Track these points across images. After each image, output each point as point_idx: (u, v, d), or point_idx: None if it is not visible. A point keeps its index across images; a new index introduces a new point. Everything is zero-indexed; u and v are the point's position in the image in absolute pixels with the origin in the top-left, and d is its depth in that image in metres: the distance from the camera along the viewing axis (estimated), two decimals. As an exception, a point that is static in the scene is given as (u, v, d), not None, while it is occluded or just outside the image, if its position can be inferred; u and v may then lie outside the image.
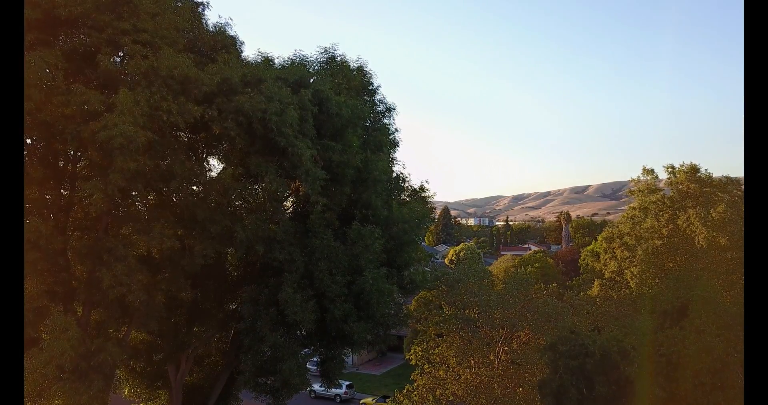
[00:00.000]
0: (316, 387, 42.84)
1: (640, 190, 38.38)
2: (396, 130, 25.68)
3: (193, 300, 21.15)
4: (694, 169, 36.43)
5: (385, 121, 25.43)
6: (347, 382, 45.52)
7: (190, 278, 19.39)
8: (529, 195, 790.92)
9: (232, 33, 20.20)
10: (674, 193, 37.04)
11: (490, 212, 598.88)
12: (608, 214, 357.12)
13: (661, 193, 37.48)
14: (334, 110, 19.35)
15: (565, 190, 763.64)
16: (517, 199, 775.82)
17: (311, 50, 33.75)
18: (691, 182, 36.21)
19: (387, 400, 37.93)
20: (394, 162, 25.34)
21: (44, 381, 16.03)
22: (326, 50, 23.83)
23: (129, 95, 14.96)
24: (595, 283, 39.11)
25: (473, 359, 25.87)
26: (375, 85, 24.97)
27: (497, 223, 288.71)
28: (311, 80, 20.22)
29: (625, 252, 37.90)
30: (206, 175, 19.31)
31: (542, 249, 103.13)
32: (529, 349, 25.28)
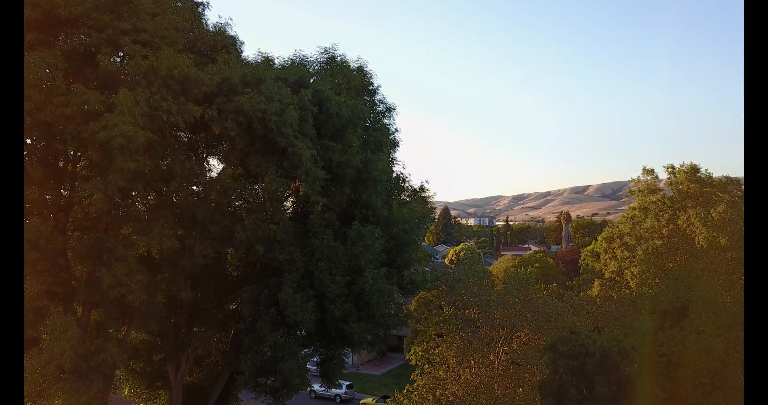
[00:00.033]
0: (316, 387, 42.85)
1: (640, 191, 38.38)
2: (396, 130, 25.71)
3: (193, 300, 21.16)
4: (694, 170, 36.43)
5: (385, 121, 25.45)
6: (347, 382, 45.52)
7: (190, 278, 19.39)
8: (529, 195, 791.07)
9: (232, 33, 20.22)
10: (674, 193, 37.05)
11: (490, 212, 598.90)
12: (608, 214, 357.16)
13: (661, 193, 37.48)
14: (334, 110, 19.35)
15: (565, 190, 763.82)
16: (517, 199, 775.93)
17: (311, 50, 33.79)
18: (691, 182, 36.22)
19: (387, 400, 37.92)
20: (394, 162, 25.36)
21: (44, 381, 16.02)
22: (326, 50, 23.84)
23: (129, 95, 14.96)
24: (595, 283, 39.11)
25: (473, 359, 25.86)
26: (375, 85, 24.99)
27: (497, 223, 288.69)
28: (311, 80, 20.22)
29: (625, 252, 37.90)
30: (206, 175, 19.31)
31: (542, 249, 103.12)
32: (529, 349, 25.27)
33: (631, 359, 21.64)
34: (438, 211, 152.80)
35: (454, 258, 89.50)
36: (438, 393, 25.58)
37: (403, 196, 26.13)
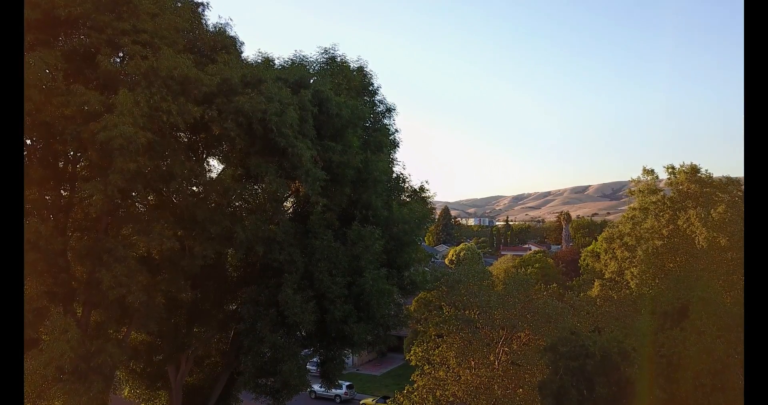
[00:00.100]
0: (316, 387, 42.81)
1: (640, 191, 38.40)
2: (396, 130, 25.70)
3: (193, 301, 21.11)
4: (694, 170, 36.45)
5: (386, 121, 25.45)
6: (347, 383, 45.51)
7: (190, 279, 19.38)
8: (530, 195, 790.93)
9: (232, 33, 20.20)
10: (674, 193, 37.07)
11: (490, 212, 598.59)
12: (608, 214, 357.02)
13: (662, 193, 37.50)
14: (334, 111, 19.34)
15: (565, 190, 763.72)
16: (517, 199, 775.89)
17: (311, 51, 33.77)
18: (692, 182, 36.24)
19: (387, 400, 37.91)
20: (395, 162, 25.36)
21: (44, 382, 16.02)
22: (326, 51, 23.85)
23: (129, 96, 14.95)
24: (596, 283, 39.11)
25: (473, 360, 25.84)
26: (375, 85, 25.00)
27: (497, 223, 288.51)
28: (311, 81, 20.22)
29: (626, 252, 37.92)
30: (206, 176, 19.31)
31: (542, 249, 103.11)
32: (530, 350, 25.24)
33: (631, 360, 21.67)
34: (438, 211, 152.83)
35: (454, 258, 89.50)
36: (438, 393, 25.56)
37: (403, 197, 26.13)
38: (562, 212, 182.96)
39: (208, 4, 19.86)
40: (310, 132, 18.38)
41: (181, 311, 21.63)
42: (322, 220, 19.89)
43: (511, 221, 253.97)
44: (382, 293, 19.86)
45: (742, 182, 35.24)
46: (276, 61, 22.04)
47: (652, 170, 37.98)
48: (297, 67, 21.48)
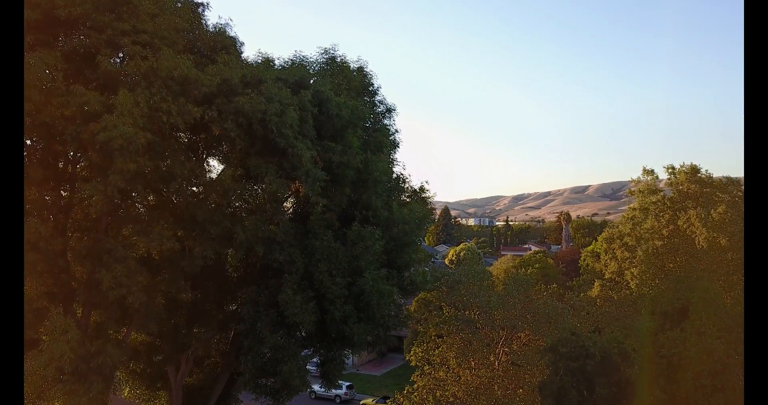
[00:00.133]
0: (316, 388, 42.82)
1: (640, 191, 38.39)
2: (396, 130, 25.70)
3: (193, 301, 21.12)
4: (694, 170, 36.44)
5: (386, 121, 25.45)
6: (347, 383, 45.52)
7: (190, 279, 19.38)
8: (530, 195, 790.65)
9: (232, 34, 20.20)
10: (674, 193, 37.05)
11: (490, 212, 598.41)
12: (608, 214, 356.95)
13: (662, 193, 37.49)
14: (334, 111, 19.34)
15: (565, 190, 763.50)
16: (518, 199, 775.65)
17: (311, 51, 33.75)
18: (692, 183, 36.22)
19: (387, 401, 37.91)
20: (395, 163, 25.36)
21: (44, 383, 15.99)
22: (326, 51, 23.85)
23: (129, 96, 14.95)
24: (596, 283, 39.11)
25: (473, 360, 25.82)
26: (375, 85, 25.00)
27: (497, 223, 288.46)
28: (311, 81, 20.23)
29: (626, 253, 37.91)
30: (206, 176, 19.30)
31: (542, 249, 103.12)
32: (530, 350, 25.23)
33: (631, 361, 21.66)
34: (438, 212, 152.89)
35: (454, 258, 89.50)
36: (438, 394, 25.54)
37: (403, 197, 26.13)
38: (562, 212, 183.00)
39: (208, 4, 19.87)
40: (310, 132, 18.38)
41: (181, 312, 21.64)
42: (322, 221, 19.89)
43: (511, 221, 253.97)
44: (382, 294, 19.85)
45: (742, 182, 35.24)
46: (276, 62, 22.04)
47: (652, 170, 37.99)
48: (297, 67, 21.48)
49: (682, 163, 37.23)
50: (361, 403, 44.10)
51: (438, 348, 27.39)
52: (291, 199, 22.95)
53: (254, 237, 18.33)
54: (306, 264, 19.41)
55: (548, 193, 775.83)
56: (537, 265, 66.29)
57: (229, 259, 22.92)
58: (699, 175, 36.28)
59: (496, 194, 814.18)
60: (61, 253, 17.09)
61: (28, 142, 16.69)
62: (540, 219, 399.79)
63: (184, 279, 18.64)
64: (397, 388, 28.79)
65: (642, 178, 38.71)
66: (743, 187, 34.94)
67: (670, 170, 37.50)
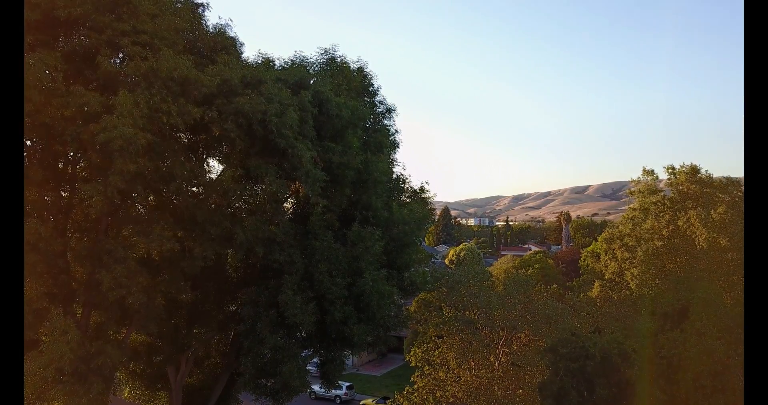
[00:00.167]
0: (316, 388, 42.82)
1: (640, 191, 38.40)
2: (396, 131, 25.71)
3: (192, 302, 21.11)
4: (694, 170, 36.45)
5: (386, 122, 25.46)
6: (347, 384, 45.51)
7: (190, 280, 19.37)
8: (530, 195, 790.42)
9: (232, 34, 20.19)
10: (674, 193, 37.06)
11: (490, 212, 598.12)
12: (608, 214, 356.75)
13: (662, 193, 37.50)
14: (334, 111, 19.35)
15: (565, 190, 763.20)
16: (518, 199, 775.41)
17: (311, 51, 33.74)
18: (692, 183, 36.23)
19: (387, 401, 37.91)
20: (395, 163, 25.37)
21: (44, 384, 16.00)
22: (326, 51, 23.86)
23: (129, 97, 14.94)
24: (596, 284, 39.12)
25: (473, 361, 25.80)
26: (375, 86, 25.01)
27: (497, 223, 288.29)
28: (311, 81, 20.23)
29: (626, 253, 37.92)
30: (206, 177, 19.30)
31: (542, 249, 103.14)
32: (530, 351, 25.21)
33: (631, 361, 21.67)
34: (438, 212, 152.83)
35: (454, 258, 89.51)
36: (438, 394, 25.52)
37: (403, 197, 26.14)
38: (562, 212, 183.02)
39: (208, 4, 19.86)
40: (310, 133, 18.38)
41: (181, 312, 21.64)
42: (322, 221, 19.88)
43: (511, 221, 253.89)
44: (383, 294, 19.85)
45: (742, 182, 35.24)
46: (276, 62, 22.04)
47: (652, 171, 38.01)
48: (297, 67, 21.48)
49: (682, 164, 37.27)
50: (361, 403, 44.09)
51: (438, 348, 27.37)
52: (291, 200, 22.95)
53: (254, 237, 18.32)
54: (306, 264, 19.41)
55: (548, 193, 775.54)
56: (537, 266, 66.29)
57: (229, 259, 22.92)
58: (699, 175, 36.30)
59: (496, 194, 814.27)
60: (61, 254, 17.09)
61: (28, 142, 16.68)
62: (540, 219, 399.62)
63: (184, 279, 18.64)
64: (397, 389, 28.77)
65: (642, 179, 38.73)
66: (743, 187, 34.94)
67: (670, 170, 37.51)
